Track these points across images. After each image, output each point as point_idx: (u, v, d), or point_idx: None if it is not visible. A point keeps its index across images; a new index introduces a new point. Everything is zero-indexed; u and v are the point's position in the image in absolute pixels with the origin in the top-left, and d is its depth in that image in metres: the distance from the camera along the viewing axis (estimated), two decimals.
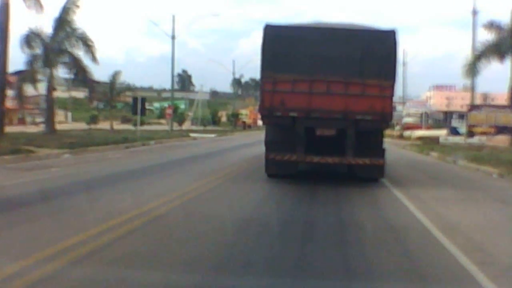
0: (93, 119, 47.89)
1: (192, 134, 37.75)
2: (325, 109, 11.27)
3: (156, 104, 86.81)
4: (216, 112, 65.08)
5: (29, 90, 30.81)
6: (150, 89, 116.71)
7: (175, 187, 10.19)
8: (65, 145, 18.85)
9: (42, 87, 30.36)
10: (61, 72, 31.10)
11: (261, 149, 12.61)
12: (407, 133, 43.91)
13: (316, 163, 11.92)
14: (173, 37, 42.10)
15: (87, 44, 28.75)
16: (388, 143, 20.65)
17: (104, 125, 44.80)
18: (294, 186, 11.30)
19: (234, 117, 68.16)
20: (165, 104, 53.57)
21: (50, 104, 29.34)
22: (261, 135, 33.51)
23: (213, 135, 40.50)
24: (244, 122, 69.55)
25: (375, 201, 9.86)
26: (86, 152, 18.52)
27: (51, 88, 29.12)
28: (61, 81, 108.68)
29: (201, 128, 53.37)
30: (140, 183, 11.16)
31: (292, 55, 11.36)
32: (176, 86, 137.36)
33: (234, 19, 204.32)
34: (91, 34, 31.45)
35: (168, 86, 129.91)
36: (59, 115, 61.41)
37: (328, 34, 11.51)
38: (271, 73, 11.37)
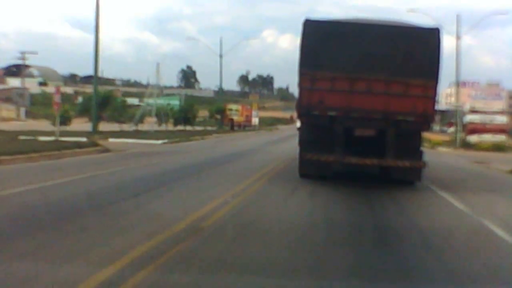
0: (65, 118, 31.53)
1: (113, 140, 25.16)
2: (365, 108, 11.54)
3: (151, 101, 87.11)
4: (192, 108, 47.60)
5: None
6: (154, 86, 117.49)
7: None
8: None
9: None
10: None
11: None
12: (472, 139, 33.30)
13: (354, 164, 12.24)
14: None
15: None
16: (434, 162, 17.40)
17: (79, 125, 34.92)
18: (343, 191, 11.51)
19: (220, 114, 56.07)
20: (151, 101, 41.22)
21: None
22: (258, 142, 31.41)
23: (159, 142, 26.51)
24: (231, 120, 56.98)
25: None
26: None
27: None
28: (58, 76, 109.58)
29: (163, 128, 40.82)
30: None
31: (332, 51, 11.61)
32: (180, 82, 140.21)
33: (245, 17, 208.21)
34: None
35: (170, 83, 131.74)
36: (9, 110, 58.88)
37: (369, 31, 11.74)
38: (309, 70, 11.65)
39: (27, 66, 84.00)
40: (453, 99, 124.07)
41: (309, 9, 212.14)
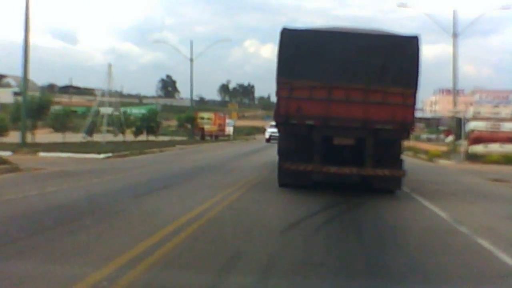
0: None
1: (44, 154, 21.99)
2: (343, 117, 11.66)
3: (103, 108, 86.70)
4: (155, 116, 41.60)
5: None
6: (135, 96, 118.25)
7: None
8: None
9: None
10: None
11: None
12: (476, 149, 29.37)
13: (334, 173, 12.36)
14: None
15: None
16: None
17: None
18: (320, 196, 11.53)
19: (190, 123, 51.35)
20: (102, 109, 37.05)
21: None
22: (226, 155, 28.53)
23: (101, 156, 22.32)
24: (202, 129, 51.93)
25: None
26: None
27: None
28: (34, 86, 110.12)
29: (119, 139, 35.25)
30: None
31: (310, 60, 11.74)
32: (159, 92, 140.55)
33: (226, 27, 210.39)
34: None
35: (150, 93, 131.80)
36: None
37: (348, 39, 11.90)
38: (287, 79, 11.76)
39: (3, 76, 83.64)
40: (437, 106, 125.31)
41: (290, 19, 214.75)
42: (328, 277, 5.63)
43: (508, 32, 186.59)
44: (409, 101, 11.66)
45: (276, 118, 12.38)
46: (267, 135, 51.44)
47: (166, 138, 42.31)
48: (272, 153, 20.55)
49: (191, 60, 50.61)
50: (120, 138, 35.60)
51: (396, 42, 12.06)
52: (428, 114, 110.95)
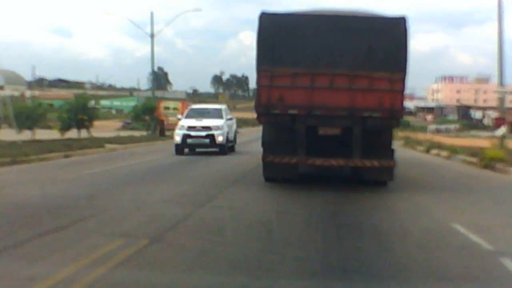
0: None
1: None
2: (328, 105, 11.45)
3: (106, 102, 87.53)
4: (86, 107, 31.15)
5: None
6: (128, 89, 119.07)
7: None
8: None
9: None
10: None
11: None
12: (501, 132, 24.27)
13: (320, 166, 12.18)
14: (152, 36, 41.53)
15: None
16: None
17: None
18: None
19: (149, 114, 40.50)
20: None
21: None
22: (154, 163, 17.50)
23: None
24: (161, 122, 40.57)
25: None
26: None
27: None
28: (22, 80, 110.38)
29: (25, 136, 25.99)
30: None
31: (291, 46, 11.52)
32: (150, 84, 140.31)
33: (221, 19, 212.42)
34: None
35: (145, 86, 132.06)
36: None
37: (331, 23, 11.66)
38: (267, 66, 11.52)
39: None
40: (439, 95, 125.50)
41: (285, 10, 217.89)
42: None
43: None
44: (397, 86, 11.42)
45: (257, 108, 12.11)
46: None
47: (111, 134, 32.72)
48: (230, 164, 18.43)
49: (152, 36, 42.69)
50: (27, 135, 26.45)
51: (382, 24, 11.85)
52: (430, 103, 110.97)
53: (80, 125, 30.54)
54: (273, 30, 11.58)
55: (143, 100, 44.08)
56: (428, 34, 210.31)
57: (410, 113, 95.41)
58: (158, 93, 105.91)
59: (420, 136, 36.98)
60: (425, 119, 57.14)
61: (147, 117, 41.03)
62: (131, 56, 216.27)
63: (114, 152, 24.16)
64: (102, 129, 40.46)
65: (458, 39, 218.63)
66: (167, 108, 46.56)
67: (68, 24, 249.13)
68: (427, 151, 26.50)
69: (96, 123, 32.77)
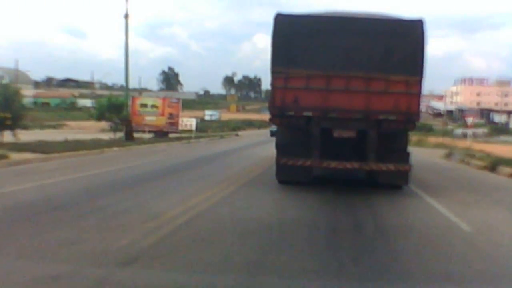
0: None
1: None
2: (343, 108, 11.60)
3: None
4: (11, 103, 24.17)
5: None
6: (139, 90, 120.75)
7: None
8: None
9: None
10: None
11: None
12: None
13: (334, 169, 12.30)
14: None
15: None
16: None
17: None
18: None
19: (116, 112, 34.49)
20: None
21: None
22: None
23: None
24: (129, 123, 33.38)
25: None
26: None
27: None
28: (28, 79, 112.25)
29: None
30: None
31: (306, 47, 11.66)
32: (160, 85, 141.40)
33: (235, 22, 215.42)
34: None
35: (150, 85, 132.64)
36: None
37: (347, 24, 11.80)
38: (282, 67, 11.69)
39: None
40: (459, 98, 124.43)
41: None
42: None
43: None
44: (414, 89, 11.56)
45: (271, 110, 12.28)
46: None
47: (60, 138, 26.69)
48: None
49: (126, 16, 34.34)
50: None
51: (399, 26, 11.96)
52: (450, 106, 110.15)
53: (0, 125, 23.80)
54: (289, 31, 11.74)
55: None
56: (443, 39, 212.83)
57: (440, 114, 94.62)
58: (168, 94, 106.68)
59: (454, 142, 34.12)
60: (465, 122, 51.43)
61: (114, 117, 34.72)
62: (145, 57, 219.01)
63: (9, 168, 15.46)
64: (86, 130, 38.68)
65: (473, 44, 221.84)
66: (144, 105, 41.10)
67: (82, 25, 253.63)
68: (493, 168, 19.00)
69: (83, 123, 28.51)
